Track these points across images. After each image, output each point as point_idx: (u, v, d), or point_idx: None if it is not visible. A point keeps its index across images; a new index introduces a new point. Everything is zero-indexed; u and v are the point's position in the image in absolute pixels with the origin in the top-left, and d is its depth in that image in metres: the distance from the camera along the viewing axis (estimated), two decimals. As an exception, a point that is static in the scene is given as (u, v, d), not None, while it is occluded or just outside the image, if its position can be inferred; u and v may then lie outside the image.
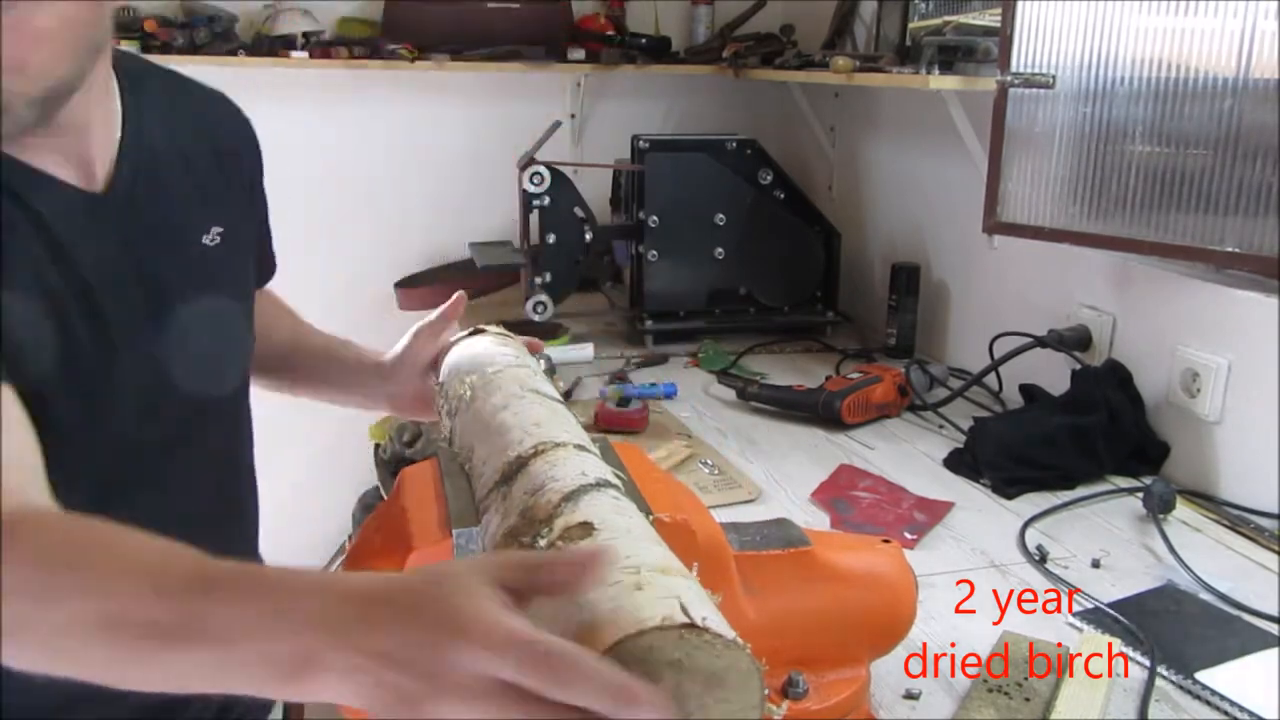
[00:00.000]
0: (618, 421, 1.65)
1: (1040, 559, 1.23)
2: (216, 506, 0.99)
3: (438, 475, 0.80)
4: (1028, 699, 0.92)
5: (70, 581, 0.54)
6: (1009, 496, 1.41)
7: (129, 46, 2.22)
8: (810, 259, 2.21)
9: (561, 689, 0.46)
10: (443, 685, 0.47)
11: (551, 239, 2.08)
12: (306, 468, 2.57)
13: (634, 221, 2.16)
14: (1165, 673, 0.98)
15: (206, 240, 0.92)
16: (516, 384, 0.89)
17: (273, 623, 0.51)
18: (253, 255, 1.06)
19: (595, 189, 2.29)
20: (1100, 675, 0.94)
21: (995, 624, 1.07)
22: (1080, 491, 1.43)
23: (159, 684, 0.54)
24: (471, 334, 1.00)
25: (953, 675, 0.99)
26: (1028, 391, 1.70)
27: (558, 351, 2.01)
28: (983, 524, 1.34)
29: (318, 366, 1.15)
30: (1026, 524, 1.32)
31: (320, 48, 2.33)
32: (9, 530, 0.57)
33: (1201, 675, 0.97)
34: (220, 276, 0.94)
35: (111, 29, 0.78)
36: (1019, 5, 1.53)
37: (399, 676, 0.48)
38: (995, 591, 1.16)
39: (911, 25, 2.10)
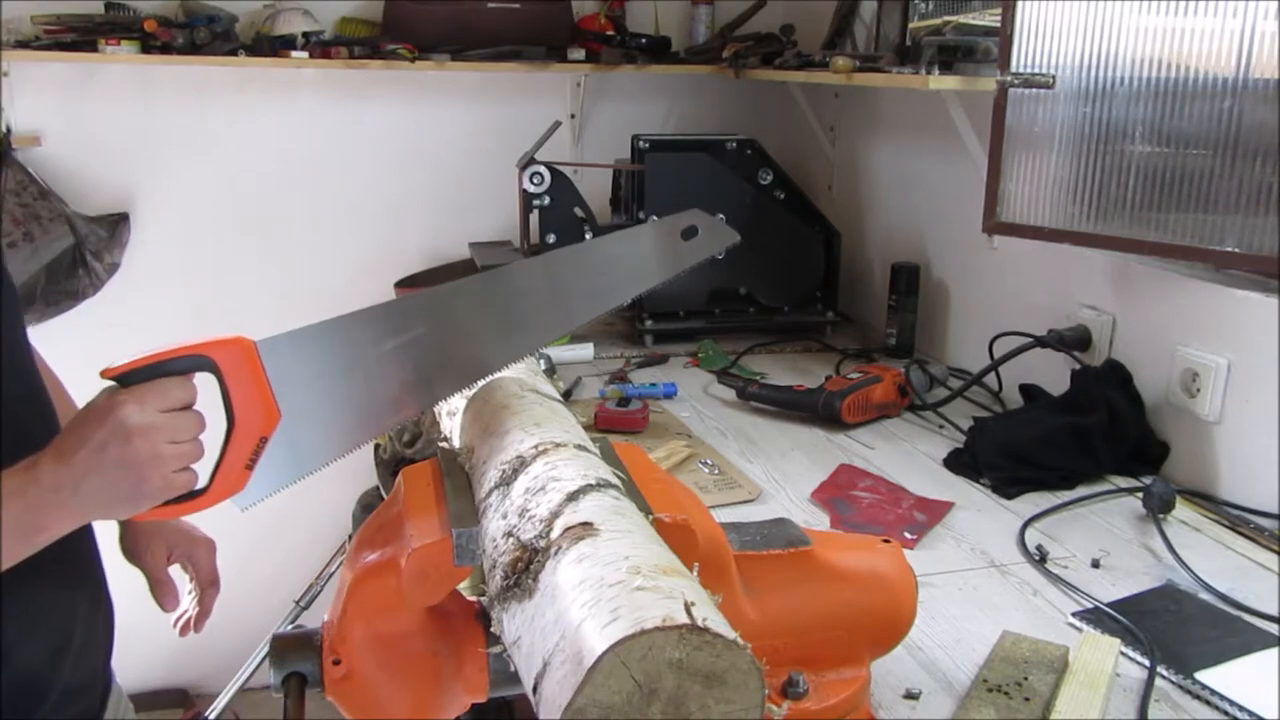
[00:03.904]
0: (618, 421, 1.65)
1: (1040, 559, 1.23)
2: None
3: (438, 475, 0.80)
4: (1028, 699, 0.92)
5: None
6: (1009, 496, 1.42)
7: (129, 47, 2.22)
8: (810, 259, 2.21)
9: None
10: (138, 443, 0.69)
11: (551, 239, 2.08)
12: (306, 468, 2.56)
13: (634, 221, 2.16)
14: (1165, 673, 0.98)
15: None
16: (516, 384, 0.89)
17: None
18: None
19: (595, 189, 2.29)
20: (1100, 675, 0.94)
21: (995, 624, 1.07)
22: (1080, 491, 1.43)
23: None
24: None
25: (953, 675, 0.99)
26: (1028, 391, 1.70)
27: (558, 351, 2.01)
28: (983, 524, 1.34)
29: None
30: (1026, 524, 1.32)
31: (320, 48, 2.33)
32: None
33: (1201, 675, 0.97)
34: None
35: None
36: (1019, 5, 1.53)
37: (105, 456, 0.69)
38: (995, 591, 1.16)
39: (911, 25, 2.10)
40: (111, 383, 0.72)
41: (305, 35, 2.34)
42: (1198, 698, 0.96)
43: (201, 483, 0.74)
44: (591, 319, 0.97)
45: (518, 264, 0.92)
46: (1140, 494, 1.38)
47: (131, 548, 1.08)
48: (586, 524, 0.61)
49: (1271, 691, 0.95)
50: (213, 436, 0.75)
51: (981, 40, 1.79)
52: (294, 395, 0.76)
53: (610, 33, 2.58)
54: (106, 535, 1.03)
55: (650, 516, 0.68)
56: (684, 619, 0.51)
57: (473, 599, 0.74)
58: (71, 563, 0.99)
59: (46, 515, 0.72)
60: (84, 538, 1.01)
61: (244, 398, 0.74)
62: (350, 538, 2.36)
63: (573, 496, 0.65)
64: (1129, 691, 0.96)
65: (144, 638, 2.45)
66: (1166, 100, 1.38)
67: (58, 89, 2.37)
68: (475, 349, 0.89)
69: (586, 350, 2.08)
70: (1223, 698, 0.94)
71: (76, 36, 2.21)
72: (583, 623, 0.53)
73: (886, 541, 0.89)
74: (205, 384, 0.74)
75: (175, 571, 1.08)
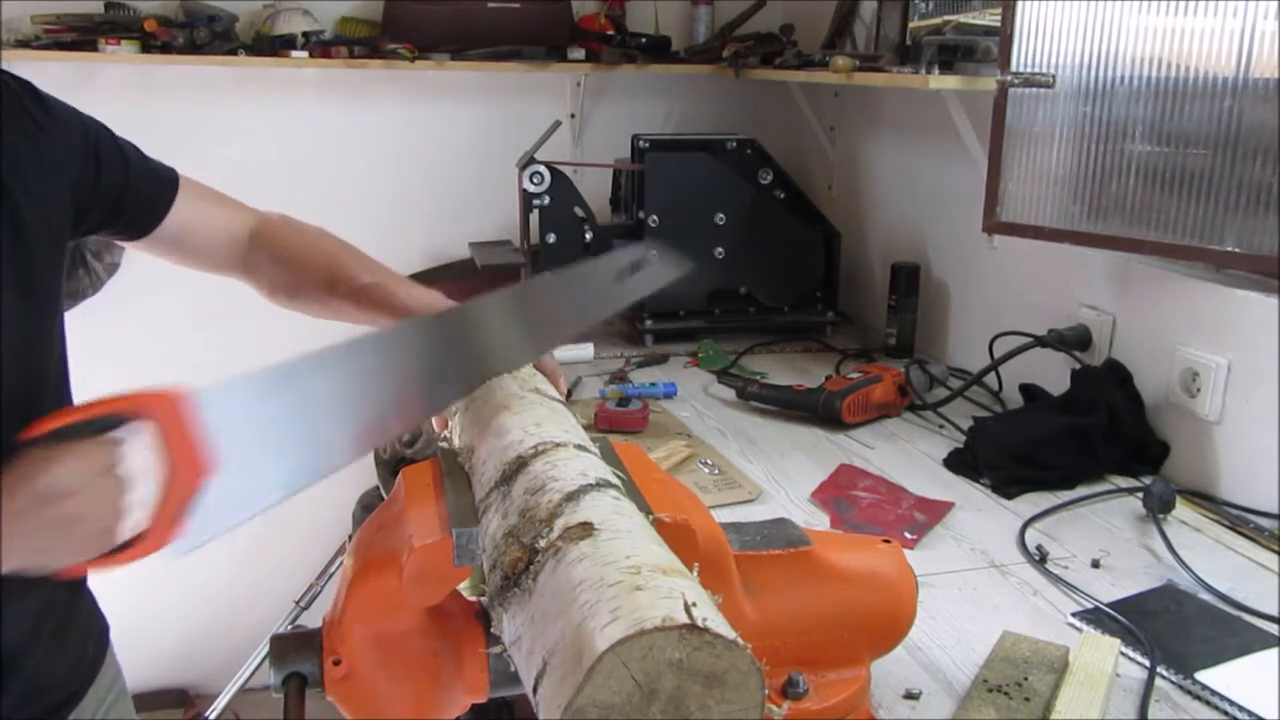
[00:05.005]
0: (618, 421, 1.65)
1: (1040, 559, 1.23)
2: None
3: (438, 475, 0.80)
4: (1028, 699, 0.92)
5: None
6: (1009, 496, 1.42)
7: (129, 46, 2.22)
8: (810, 259, 2.21)
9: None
10: (69, 506, 0.68)
11: (551, 239, 2.08)
12: (306, 468, 2.56)
13: (634, 221, 2.16)
14: (1165, 673, 0.98)
15: None
16: (516, 384, 0.89)
17: None
18: (52, 225, 0.96)
19: (595, 189, 2.29)
20: (1100, 675, 0.94)
21: (995, 624, 1.07)
22: (1080, 491, 1.43)
23: None
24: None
25: (953, 675, 0.99)
26: (1028, 391, 1.70)
27: (558, 351, 2.01)
28: (983, 524, 1.34)
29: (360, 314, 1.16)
30: (1026, 524, 1.32)
31: (320, 48, 2.33)
32: None
33: (1201, 675, 0.98)
34: None
35: None
36: (1019, 5, 1.53)
37: (37, 517, 0.68)
38: (995, 591, 1.16)
39: (911, 25, 2.10)
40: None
41: (305, 35, 2.34)
42: (1198, 698, 0.96)
43: (135, 533, 0.72)
44: (535, 359, 0.98)
45: (474, 303, 0.92)
46: (1140, 494, 1.38)
47: None
48: (586, 524, 0.61)
49: (1271, 691, 0.95)
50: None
51: (981, 40, 1.79)
52: (234, 443, 0.73)
53: (610, 32, 2.58)
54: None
55: (650, 516, 0.68)
56: (684, 619, 0.51)
57: (473, 599, 0.74)
58: None
59: None
60: None
61: (174, 451, 0.71)
62: (350, 538, 2.36)
63: (572, 496, 0.65)
64: (1129, 691, 0.96)
65: (144, 638, 2.45)
66: (1166, 100, 1.38)
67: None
68: (423, 392, 0.88)
69: (586, 350, 2.08)
70: (1223, 698, 0.94)
71: (76, 36, 2.21)
72: (583, 623, 0.53)
73: (886, 541, 0.89)
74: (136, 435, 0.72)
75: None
